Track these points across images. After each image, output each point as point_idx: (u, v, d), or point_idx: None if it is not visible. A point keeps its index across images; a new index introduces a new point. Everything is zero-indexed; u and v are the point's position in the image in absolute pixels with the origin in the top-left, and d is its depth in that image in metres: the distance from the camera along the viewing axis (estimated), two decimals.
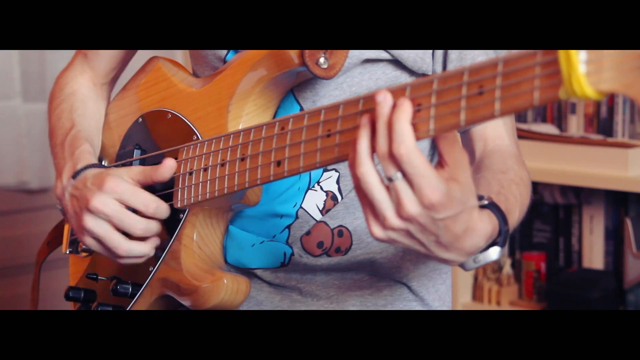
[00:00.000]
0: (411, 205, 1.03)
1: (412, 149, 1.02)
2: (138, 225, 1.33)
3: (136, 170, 1.36)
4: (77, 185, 1.37)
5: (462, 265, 1.14)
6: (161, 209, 1.34)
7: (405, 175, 1.03)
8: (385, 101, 1.04)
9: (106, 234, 1.33)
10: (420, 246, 1.08)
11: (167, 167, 1.34)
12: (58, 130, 1.53)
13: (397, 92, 1.05)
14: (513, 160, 1.34)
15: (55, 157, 1.50)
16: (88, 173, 1.39)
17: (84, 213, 1.34)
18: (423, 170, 1.02)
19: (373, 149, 1.06)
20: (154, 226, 1.35)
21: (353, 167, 1.06)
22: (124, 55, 1.59)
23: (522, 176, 1.31)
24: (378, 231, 1.07)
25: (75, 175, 1.40)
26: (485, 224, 1.10)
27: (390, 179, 1.04)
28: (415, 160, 1.02)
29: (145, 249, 1.35)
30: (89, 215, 1.33)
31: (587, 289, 2.59)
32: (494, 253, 1.13)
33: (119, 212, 1.32)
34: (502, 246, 1.14)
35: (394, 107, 1.04)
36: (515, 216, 1.22)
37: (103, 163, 1.52)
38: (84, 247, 1.51)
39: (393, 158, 1.03)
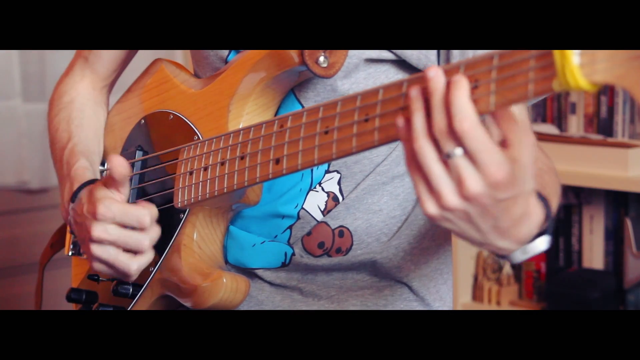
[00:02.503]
0: (475, 183, 0.98)
1: (475, 124, 0.97)
2: (144, 242, 1.31)
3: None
4: (77, 210, 1.37)
5: (509, 258, 1.08)
6: (154, 215, 1.31)
7: (467, 152, 0.98)
8: (437, 76, 1.00)
9: (115, 258, 1.32)
10: (477, 232, 1.03)
11: (117, 165, 1.28)
12: (56, 143, 1.53)
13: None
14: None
15: (57, 174, 1.50)
16: (83, 194, 1.37)
17: (88, 243, 1.33)
18: (488, 145, 0.97)
19: (428, 124, 1.00)
20: (156, 233, 1.33)
21: (408, 142, 1.01)
22: (124, 56, 1.59)
23: (549, 164, 1.28)
24: (432, 208, 1.01)
25: (73, 198, 1.40)
26: (539, 210, 1.05)
27: (448, 156, 0.98)
28: (479, 135, 0.97)
29: (151, 255, 1.33)
30: (94, 245, 1.32)
31: (587, 289, 2.59)
32: (543, 243, 1.07)
33: (122, 234, 1.31)
34: (550, 234, 1.08)
35: (449, 84, 0.99)
36: (554, 205, 1.17)
37: (106, 166, 1.52)
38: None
39: (453, 134, 0.98)
